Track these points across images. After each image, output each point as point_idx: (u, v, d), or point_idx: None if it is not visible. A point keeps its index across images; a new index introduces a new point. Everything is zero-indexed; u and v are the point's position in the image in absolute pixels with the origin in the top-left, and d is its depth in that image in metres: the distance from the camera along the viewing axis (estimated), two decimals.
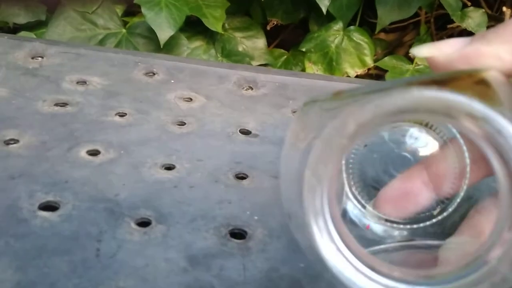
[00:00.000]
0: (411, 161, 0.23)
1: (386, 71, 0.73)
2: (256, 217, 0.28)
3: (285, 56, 0.76)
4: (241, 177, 0.32)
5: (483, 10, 0.82)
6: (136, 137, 0.34)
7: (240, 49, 0.69)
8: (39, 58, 0.44)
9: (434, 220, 0.23)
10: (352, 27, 0.74)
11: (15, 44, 0.45)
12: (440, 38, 0.85)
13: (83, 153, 0.32)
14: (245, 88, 0.45)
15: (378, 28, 0.70)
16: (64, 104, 0.37)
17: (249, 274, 0.23)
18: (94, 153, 0.32)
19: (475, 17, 0.77)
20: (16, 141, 0.32)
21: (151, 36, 0.65)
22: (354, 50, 0.72)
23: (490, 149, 0.17)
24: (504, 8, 0.82)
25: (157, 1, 0.62)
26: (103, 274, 0.22)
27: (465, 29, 0.80)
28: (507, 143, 0.16)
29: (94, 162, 0.31)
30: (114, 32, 0.66)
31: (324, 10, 0.71)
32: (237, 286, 0.23)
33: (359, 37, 0.73)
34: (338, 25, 0.73)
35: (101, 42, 0.65)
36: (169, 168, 0.31)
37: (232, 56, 0.68)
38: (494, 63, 0.18)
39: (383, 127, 0.19)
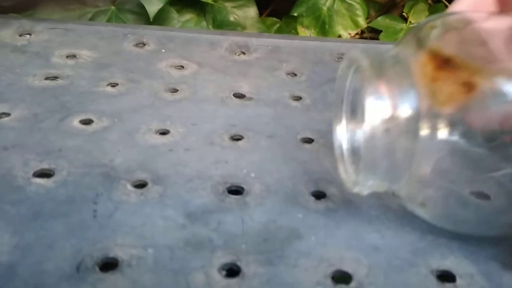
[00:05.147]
0: None
1: (380, 32, 0.72)
2: (253, 175, 0.28)
3: (278, 24, 0.75)
4: (236, 138, 0.31)
5: None
6: (129, 105, 0.34)
7: (232, 19, 0.68)
8: (27, 35, 0.44)
9: None
10: None
11: (2, 22, 0.45)
12: None
13: (75, 122, 0.31)
14: (237, 53, 0.44)
15: None
16: (54, 78, 0.37)
17: (247, 226, 0.23)
18: (87, 122, 0.32)
19: None
20: (7, 114, 0.31)
21: (140, 11, 0.64)
22: (346, 12, 0.71)
23: None
24: None
25: None
26: (101, 234, 0.22)
27: None
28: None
29: (87, 131, 0.31)
30: (103, 9, 0.65)
31: None
32: (236, 238, 0.23)
33: None
34: None
35: (91, 21, 0.64)
36: (164, 133, 0.31)
37: (224, 27, 0.67)
38: None
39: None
